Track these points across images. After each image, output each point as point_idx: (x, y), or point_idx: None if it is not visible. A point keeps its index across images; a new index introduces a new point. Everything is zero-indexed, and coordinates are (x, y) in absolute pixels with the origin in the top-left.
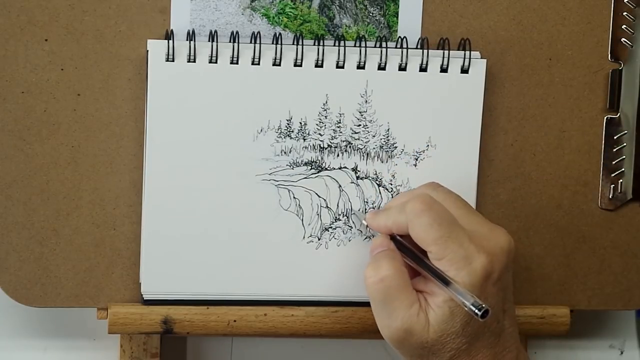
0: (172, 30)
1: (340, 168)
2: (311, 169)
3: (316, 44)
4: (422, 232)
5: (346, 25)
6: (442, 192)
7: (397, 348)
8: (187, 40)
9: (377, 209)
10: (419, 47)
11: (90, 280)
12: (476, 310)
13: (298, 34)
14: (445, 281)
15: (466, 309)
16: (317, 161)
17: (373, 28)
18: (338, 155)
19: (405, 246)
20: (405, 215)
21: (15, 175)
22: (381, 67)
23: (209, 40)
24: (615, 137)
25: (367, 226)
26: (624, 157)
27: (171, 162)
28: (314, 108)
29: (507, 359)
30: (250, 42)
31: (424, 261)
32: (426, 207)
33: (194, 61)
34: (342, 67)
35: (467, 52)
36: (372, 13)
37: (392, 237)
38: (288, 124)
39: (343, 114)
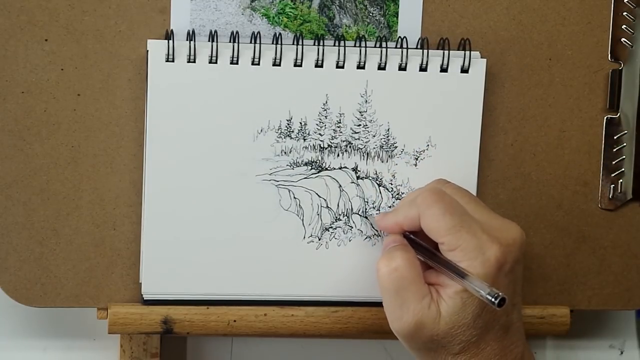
0: (172, 30)
1: (340, 168)
2: (311, 169)
3: (316, 44)
4: (434, 222)
5: (346, 25)
6: (451, 187)
7: (406, 341)
8: (187, 40)
9: (377, 210)
10: (419, 47)
11: (90, 280)
12: (492, 299)
13: (298, 34)
14: (460, 273)
15: (482, 298)
16: (317, 161)
17: (373, 28)
18: (338, 155)
19: (417, 242)
20: (417, 207)
21: (15, 175)
22: (381, 67)
23: (209, 40)
24: (615, 137)
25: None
26: (624, 157)
27: (171, 162)
28: (314, 108)
29: (514, 354)
30: (250, 42)
31: (437, 255)
32: (437, 198)
33: (194, 61)
34: (342, 67)
35: (467, 52)
36: (372, 13)
37: (404, 236)
38: (288, 124)
39: (343, 114)
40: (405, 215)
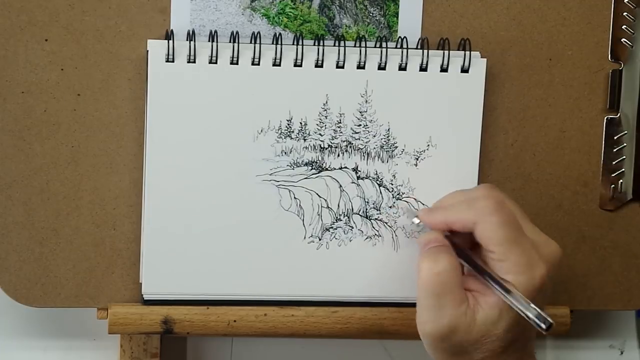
0: (172, 30)
1: (340, 168)
2: (312, 169)
3: (316, 44)
4: (490, 231)
5: (346, 25)
6: (506, 196)
7: (433, 343)
8: (187, 40)
9: (378, 210)
10: (419, 47)
11: (90, 280)
12: (542, 324)
13: (298, 34)
14: (504, 289)
15: (529, 320)
16: (318, 161)
17: (373, 28)
18: (338, 155)
19: (458, 246)
20: (474, 212)
21: (15, 175)
22: (381, 67)
23: (209, 41)
24: (615, 137)
25: (418, 223)
26: (624, 157)
27: (171, 162)
28: (314, 108)
29: None
30: (250, 42)
31: (479, 264)
32: (499, 207)
33: (194, 61)
34: (342, 67)
35: (467, 52)
36: (372, 13)
37: (445, 236)
38: (288, 124)
39: (343, 114)
40: (459, 217)
